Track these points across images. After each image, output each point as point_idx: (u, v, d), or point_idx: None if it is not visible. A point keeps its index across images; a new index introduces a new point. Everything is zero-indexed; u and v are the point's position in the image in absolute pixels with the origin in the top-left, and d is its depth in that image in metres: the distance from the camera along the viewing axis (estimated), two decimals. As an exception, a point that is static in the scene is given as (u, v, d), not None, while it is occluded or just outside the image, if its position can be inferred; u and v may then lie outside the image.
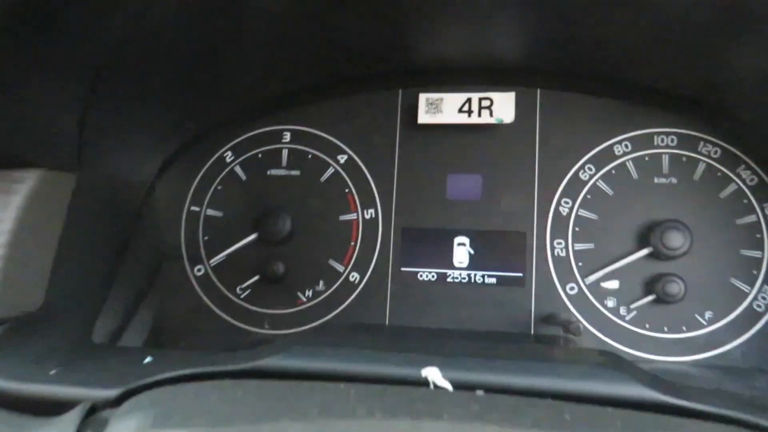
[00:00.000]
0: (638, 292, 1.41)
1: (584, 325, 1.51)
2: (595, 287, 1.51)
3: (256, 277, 1.55)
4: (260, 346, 0.86)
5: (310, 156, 1.66)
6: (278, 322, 1.62)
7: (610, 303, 1.50)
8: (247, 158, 1.58)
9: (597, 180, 1.48)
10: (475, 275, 1.57)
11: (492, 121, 1.52)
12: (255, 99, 1.57)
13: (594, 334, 1.50)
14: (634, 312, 1.42)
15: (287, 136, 1.57)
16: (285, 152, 1.59)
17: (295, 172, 1.59)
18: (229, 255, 1.52)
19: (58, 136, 1.01)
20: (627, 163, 1.46)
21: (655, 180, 1.44)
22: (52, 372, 0.78)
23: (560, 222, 1.47)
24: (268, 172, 1.58)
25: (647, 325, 1.41)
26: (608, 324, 1.49)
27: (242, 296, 1.62)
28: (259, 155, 1.59)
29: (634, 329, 1.48)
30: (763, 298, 1.42)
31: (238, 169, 1.58)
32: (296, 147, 1.60)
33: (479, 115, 1.51)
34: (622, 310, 1.49)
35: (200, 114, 1.61)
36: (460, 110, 1.54)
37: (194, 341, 1.60)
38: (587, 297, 1.51)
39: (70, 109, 1.00)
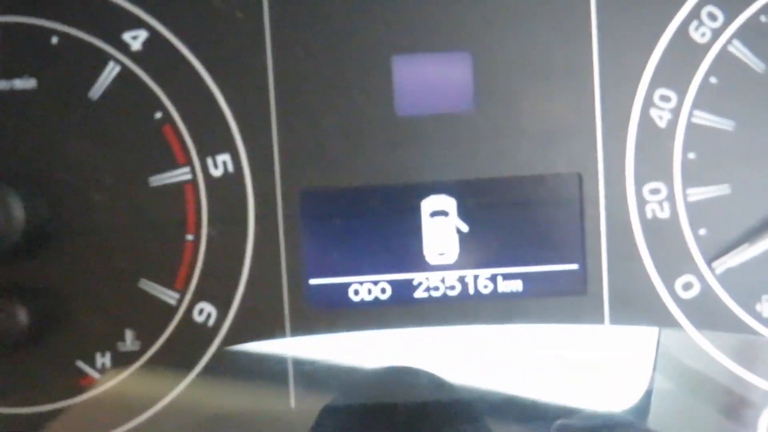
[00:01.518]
0: (827, 281, 0.72)
1: (718, 359, 0.70)
2: (734, 279, 0.71)
3: (-34, 343, 0.71)
4: None
5: (55, 40, 0.68)
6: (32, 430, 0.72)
7: (768, 309, 0.70)
8: None
9: (729, 40, 0.71)
10: (476, 279, 0.70)
11: None
12: None
13: (734, 374, 0.70)
14: (821, 323, 0.64)
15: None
16: (-9, 35, 0.70)
17: (26, 84, 0.72)
18: None
19: None
20: (793, -4, 0.70)
21: None
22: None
23: (655, 143, 0.71)
24: (-43, 89, 0.72)
25: None
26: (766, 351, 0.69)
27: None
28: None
29: (822, 358, 0.69)
30: None
31: None
32: (19, 21, 0.72)
33: None
34: (795, 322, 0.69)
35: None
36: None
37: None
38: (720, 301, 0.70)
39: None
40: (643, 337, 0.75)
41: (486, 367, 0.74)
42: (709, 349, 0.73)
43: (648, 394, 0.74)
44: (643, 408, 0.74)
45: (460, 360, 0.74)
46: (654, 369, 0.74)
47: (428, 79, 0.72)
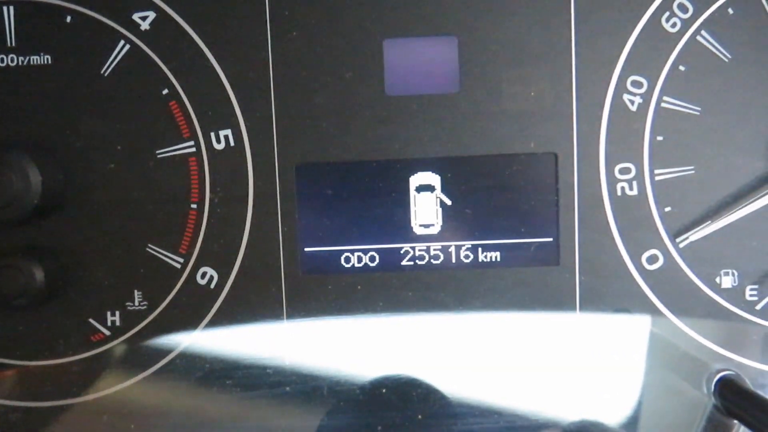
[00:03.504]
0: (781, 257, 0.77)
1: (677, 325, 0.76)
2: (696, 253, 0.77)
3: (-13, 300, 0.76)
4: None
5: (69, 19, 0.74)
6: (47, 381, 0.78)
7: (727, 282, 0.75)
8: None
9: (698, 30, 0.76)
10: (458, 249, 0.76)
11: None
12: None
13: (697, 341, 0.76)
14: (774, 294, 0.77)
15: (8, -24, 0.76)
16: (9, 14, 0.76)
17: (41, 59, 0.77)
18: None
19: None
20: (759, -11, 0.75)
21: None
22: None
23: (626, 125, 0.76)
24: (-24, 64, 0.77)
25: (798, 318, 0.77)
26: (724, 320, 0.77)
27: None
28: (-52, 25, 0.77)
29: (774, 327, 0.76)
30: None
31: None
32: (37, 0, 0.76)
33: None
34: (750, 293, 0.76)
35: None
36: None
37: None
38: (683, 273, 0.76)
39: None
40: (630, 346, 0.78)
41: (470, 373, 0.79)
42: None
43: (638, 405, 0.78)
44: (632, 421, 0.78)
45: (444, 367, 0.78)
46: (644, 378, 0.78)
47: (416, 62, 0.77)
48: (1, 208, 0.71)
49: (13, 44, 0.75)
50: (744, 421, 0.62)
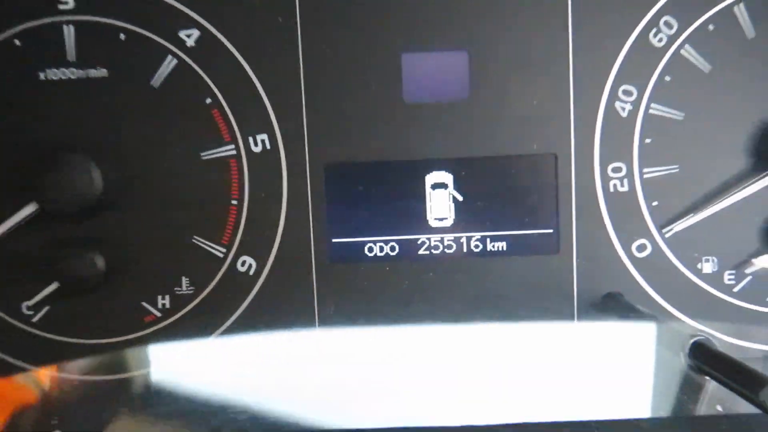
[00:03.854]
0: (753, 246, 0.87)
1: (663, 305, 0.86)
2: (680, 242, 0.86)
3: (54, 285, 0.86)
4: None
5: (123, 36, 0.83)
6: (109, 357, 0.88)
7: (707, 267, 0.85)
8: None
9: (682, 45, 0.85)
10: (469, 240, 0.86)
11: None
12: None
13: (681, 319, 0.86)
14: (749, 279, 0.88)
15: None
16: (69, 32, 0.85)
17: (98, 72, 0.86)
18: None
19: None
20: (736, 8, 0.85)
21: (790, 39, 0.83)
22: None
23: (618, 129, 0.86)
24: (41, 76, 0.86)
25: (770, 299, 0.86)
26: (704, 301, 0.86)
27: (35, 319, 0.88)
28: (17, 42, 0.86)
29: (750, 306, 0.88)
30: None
31: (-25, 75, 0.86)
32: (92, 20, 0.85)
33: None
34: (728, 278, 0.85)
35: None
36: None
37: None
38: (668, 260, 0.86)
39: None
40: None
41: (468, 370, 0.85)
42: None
43: (631, 374, 0.84)
44: (627, 390, 0.84)
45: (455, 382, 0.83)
46: (634, 352, 0.85)
47: (431, 73, 0.86)
48: (67, 203, 0.81)
49: (74, 59, 0.85)
50: (713, 377, 0.72)
